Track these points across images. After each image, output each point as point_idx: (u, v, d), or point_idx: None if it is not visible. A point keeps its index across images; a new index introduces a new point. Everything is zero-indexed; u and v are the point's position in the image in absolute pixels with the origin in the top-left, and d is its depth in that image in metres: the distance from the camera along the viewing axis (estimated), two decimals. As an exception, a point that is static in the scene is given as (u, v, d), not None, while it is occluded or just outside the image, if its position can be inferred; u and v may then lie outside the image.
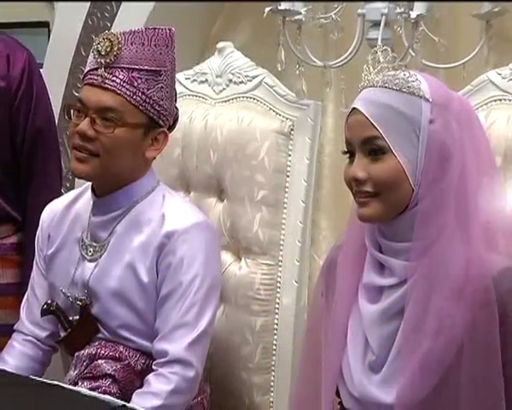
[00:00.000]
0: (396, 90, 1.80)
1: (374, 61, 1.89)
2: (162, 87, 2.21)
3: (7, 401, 1.93)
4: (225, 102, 2.56)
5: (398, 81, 1.80)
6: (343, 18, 2.77)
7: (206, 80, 2.60)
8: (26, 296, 2.43)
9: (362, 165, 1.78)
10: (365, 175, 1.77)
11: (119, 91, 2.15)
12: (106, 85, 2.16)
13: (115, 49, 2.15)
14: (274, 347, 2.41)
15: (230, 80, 2.55)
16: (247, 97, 2.53)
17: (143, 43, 2.19)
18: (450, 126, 1.80)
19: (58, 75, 3.42)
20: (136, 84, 2.16)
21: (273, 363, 2.41)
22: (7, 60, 2.75)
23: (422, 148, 1.77)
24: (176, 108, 2.31)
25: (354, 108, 1.82)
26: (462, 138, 1.81)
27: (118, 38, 2.17)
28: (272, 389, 2.40)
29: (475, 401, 1.70)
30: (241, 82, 2.54)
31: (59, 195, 2.55)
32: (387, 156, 1.76)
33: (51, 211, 2.41)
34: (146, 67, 2.17)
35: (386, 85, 1.81)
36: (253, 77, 2.52)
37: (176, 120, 2.31)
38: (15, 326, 2.42)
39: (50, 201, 2.47)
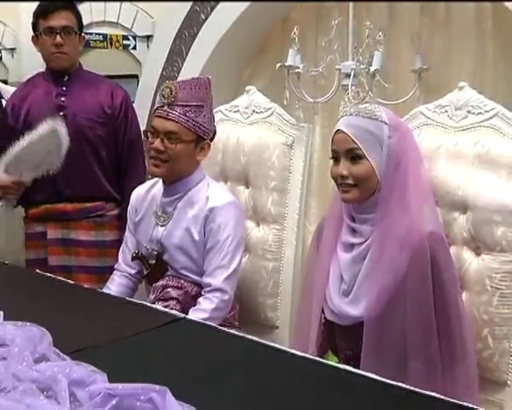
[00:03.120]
0: (367, 117, 1.80)
1: (349, 98, 1.92)
2: (205, 115, 2.20)
3: (110, 316, 1.94)
4: (250, 124, 2.52)
5: (368, 111, 1.81)
6: (327, 71, 2.79)
7: (238, 110, 2.57)
8: (121, 248, 2.43)
9: (345, 166, 1.80)
10: (348, 173, 1.79)
11: (177, 120, 2.15)
12: (169, 117, 2.15)
13: (173, 93, 2.15)
14: (280, 281, 2.38)
15: (253, 110, 2.52)
16: (264, 122, 2.49)
17: (191, 88, 2.18)
18: (400, 141, 1.82)
19: (143, 108, 3.44)
20: (188, 114, 2.16)
21: (279, 291, 2.37)
22: (111, 95, 2.75)
23: (384, 155, 1.79)
24: (214, 126, 2.29)
25: (339, 130, 1.82)
26: (407, 149, 1.83)
27: (174, 86, 2.17)
28: (279, 308, 2.38)
29: (416, 313, 1.72)
30: (261, 112, 2.50)
31: (144, 182, 2.51)
32: (363, 161, 1.78)
33: (137, 193, 2.40)
34: (193, 103, 2.17)
35: (361, 114, 1.81)
36: (268, 108, 2.48)
37: (215, 134, 2.29)
38: (115, 266, 2.42)
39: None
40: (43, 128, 2.41)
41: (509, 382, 1.84)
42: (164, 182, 2.27)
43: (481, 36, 2.82)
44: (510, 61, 2.75)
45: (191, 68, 3.42)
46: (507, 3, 2.51)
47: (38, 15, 2.65)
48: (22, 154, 2.43)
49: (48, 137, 2.42)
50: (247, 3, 3.27)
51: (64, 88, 2.69)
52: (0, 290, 2.08)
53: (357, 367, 1.66)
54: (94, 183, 2.69)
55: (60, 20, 2.62)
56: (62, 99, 2.67)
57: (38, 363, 1.42)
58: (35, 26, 2.67)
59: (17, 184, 2.52)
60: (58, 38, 2.61)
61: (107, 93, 2.75)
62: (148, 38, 4.78)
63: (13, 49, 6.29)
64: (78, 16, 2.71)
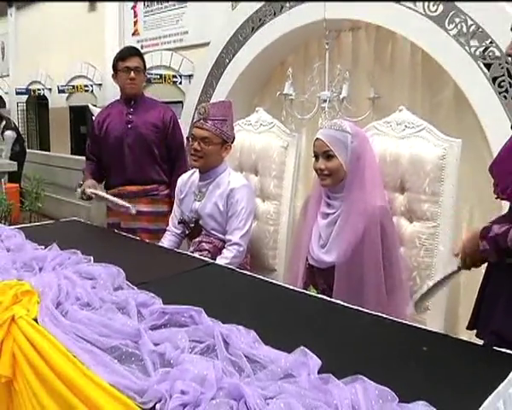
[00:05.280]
0: (336, 129, 1.77)
1: (325, 116, 1.87)
2: (228, 126, 2.16)
3: (163, 261, 1.92)
4: (259, 133, 2.48)
5: (337, 125, 1.78)
6: (310, 97, 2.75)
7: (250, 124, 2.52)
8: (171, 216, 2.39)
9: (322, 162, 1.77)
10: (324, 167, 1.76)
11: (209, 130, 2.11)
12: (203, 127, 2.12)
13: (206, 111, 2.11)
14: (278, 239, 2.34)
15: (261, 124, 2.48)
16: (268, 131, 2.44)
17: (219, 107, 2.15)
18: (359, 145, 1.78)
19: (187, 123, 3.37)
20: (216, 125, 2.12)
21: (277, 246, 2.34)
22: (163, 114, 2.68)
23: (348, 155, 1.75)
24: (234, 133, 2.24)
25: (318, 138, 1.80)
26: (364, 150, 1.79)
27: (207, 106, 2.14)
28: (277, 256, 2.35)
29: (370, 260, 1.70)
30: (266, 125, 2.46)
31: (186, 172, 2.46)
32: (334, 159, 1.76)
33: (182, 179, 2.36)
34: (220, 118, 2.13)
35: (332, 128, 1.78)
36: (271, 123, 2.44)
37: (234, 139, 2.24)
38: (167, 228, 2.38)
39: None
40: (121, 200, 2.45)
41: (429, 307, 1.84)
42: (200, 171, 2.23)
43: (414, 76, 2.77)
44: (433, 93, 2.71)
45: (219, 95, 3.37)
46: (433, 54, 2.46)
47: (119, 59, 2.64)
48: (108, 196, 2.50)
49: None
50: (258, 51, 3.22)
51: (132, 109, 2.66)
52: (91, 243, 2.08)
53: (330, 297, 1.67)
54: (151, 172, 2.65)
55: (133, 62, 2.61)
56: (130, 116, 2.65)
57: (116, 291, 1.43)
58: (115, 67, 2.66)
59: (88, 198, 2.55)
60: (132, 74, 2.60)
61: (160, 113, 2.69)
62: (190, 76, 4.74)
63: (100, 85, 6.28)
64: (143, 61, 2.70)
